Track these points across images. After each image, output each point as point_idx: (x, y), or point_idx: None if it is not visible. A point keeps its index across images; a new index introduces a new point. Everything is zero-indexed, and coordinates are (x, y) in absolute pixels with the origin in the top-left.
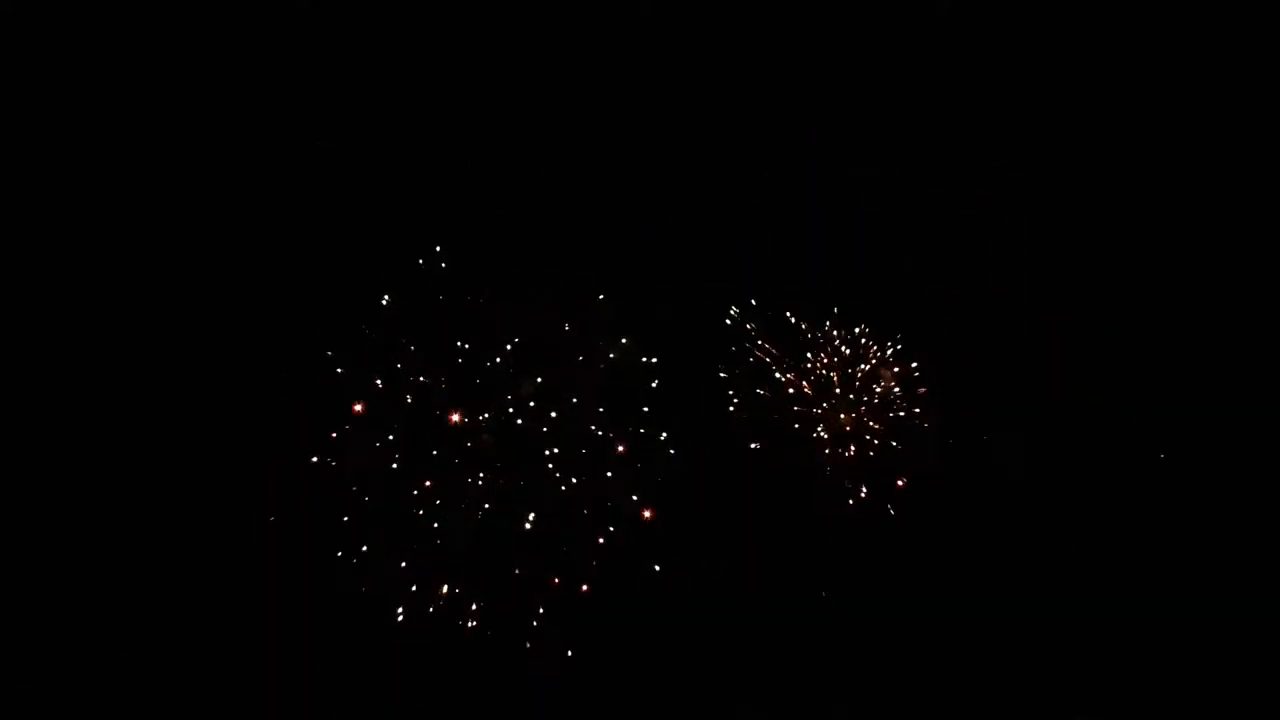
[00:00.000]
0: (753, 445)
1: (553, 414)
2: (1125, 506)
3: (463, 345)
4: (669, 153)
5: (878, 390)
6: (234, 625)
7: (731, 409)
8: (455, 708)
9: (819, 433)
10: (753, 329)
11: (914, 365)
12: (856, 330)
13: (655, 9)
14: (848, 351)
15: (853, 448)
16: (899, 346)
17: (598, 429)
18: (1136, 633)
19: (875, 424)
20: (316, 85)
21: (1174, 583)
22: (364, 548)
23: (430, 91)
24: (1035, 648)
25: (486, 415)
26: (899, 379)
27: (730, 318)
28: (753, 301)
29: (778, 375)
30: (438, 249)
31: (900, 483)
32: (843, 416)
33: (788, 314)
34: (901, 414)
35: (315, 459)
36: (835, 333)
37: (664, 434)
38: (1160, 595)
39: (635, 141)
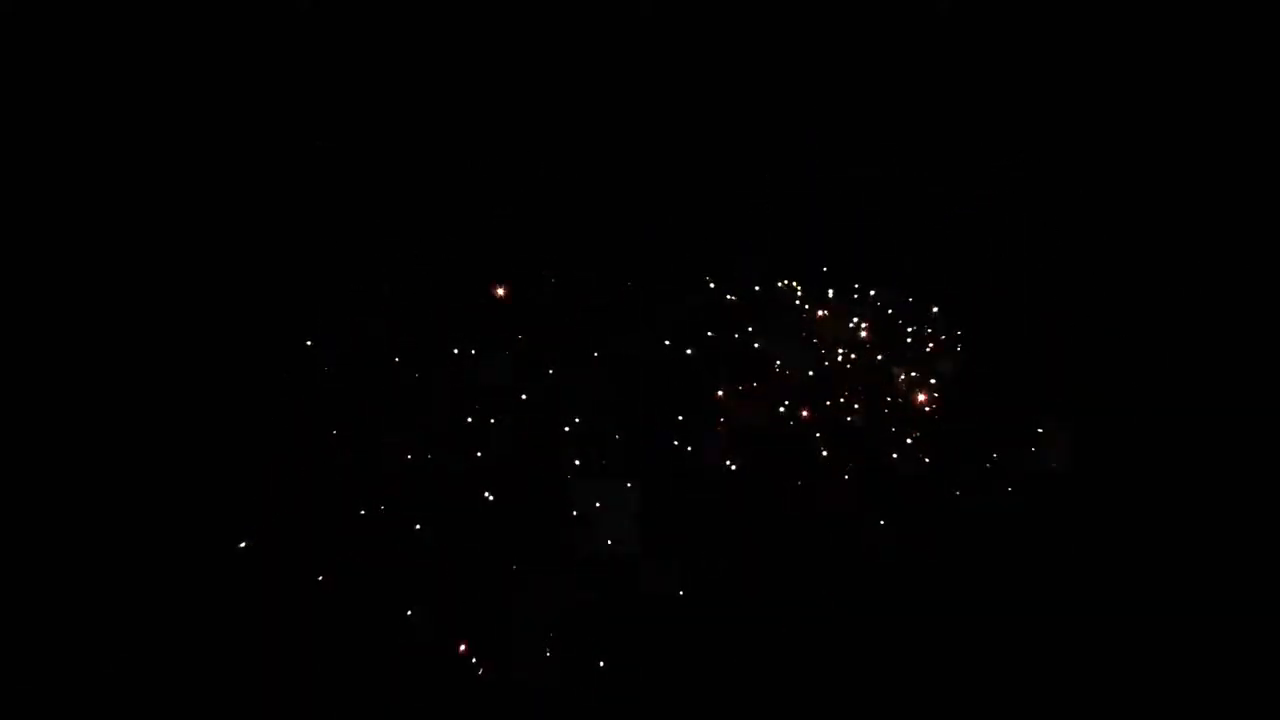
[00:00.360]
0: (731, 465)
1: (557, 414)
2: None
3: (464, 345)
4: (669, 153)
5: (900, 383)
6: (227, 632)
7: (727, 407)
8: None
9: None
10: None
11: (954, 352)
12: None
13: (655, 9)
14: (858, 322)
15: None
16: (930, 328)
17: (602, 428)
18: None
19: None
20: (316, 85)
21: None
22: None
23: (430, 91)
24: (1046, 651)
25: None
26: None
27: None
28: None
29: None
30: (437, 249)
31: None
32: (849, 418)
33: (785, 283)
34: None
35: (313, 464)
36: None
37: (665, 434)
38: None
39: (635, 141)
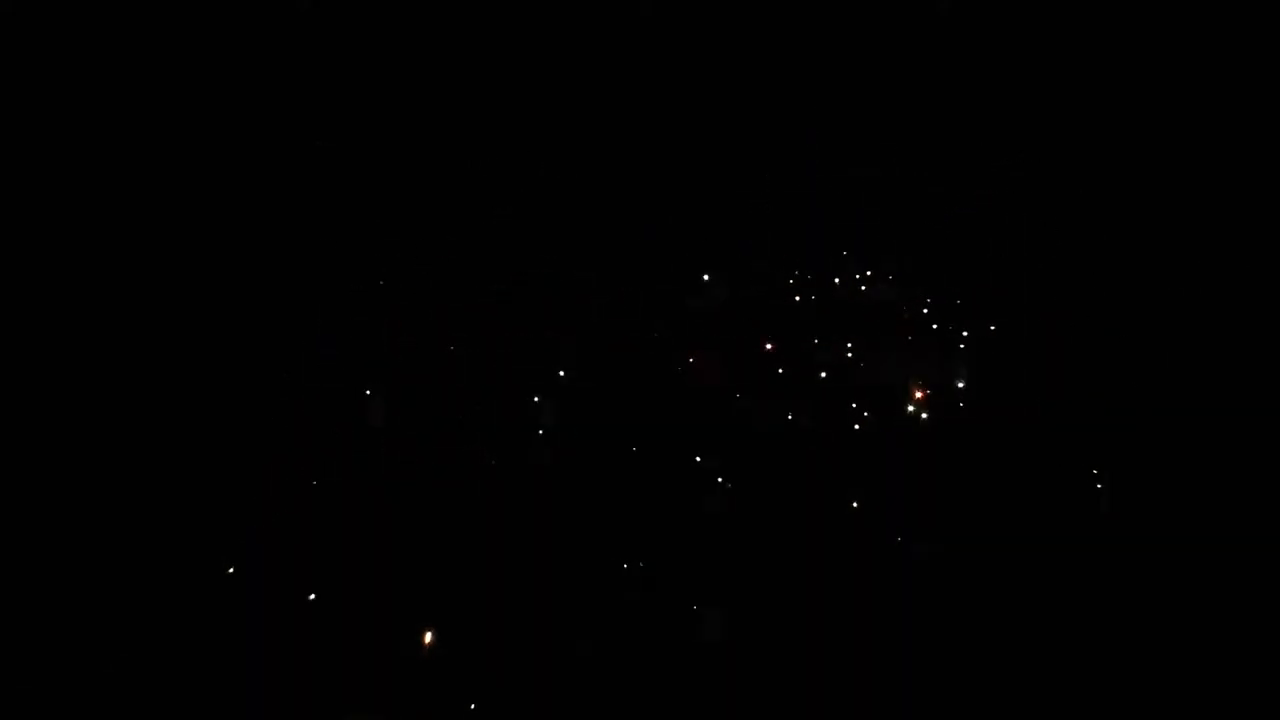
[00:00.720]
0: (726, 484)
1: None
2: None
3: (465, 346)
4: (668, 153)
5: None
6: (225, 635)
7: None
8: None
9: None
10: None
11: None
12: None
13: (655, 9)
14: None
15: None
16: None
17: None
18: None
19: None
20: (316, 85)
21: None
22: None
23: (430, 91)
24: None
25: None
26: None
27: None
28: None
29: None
30: (435, 249)
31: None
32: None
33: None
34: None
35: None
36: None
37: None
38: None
39: (634, 142)
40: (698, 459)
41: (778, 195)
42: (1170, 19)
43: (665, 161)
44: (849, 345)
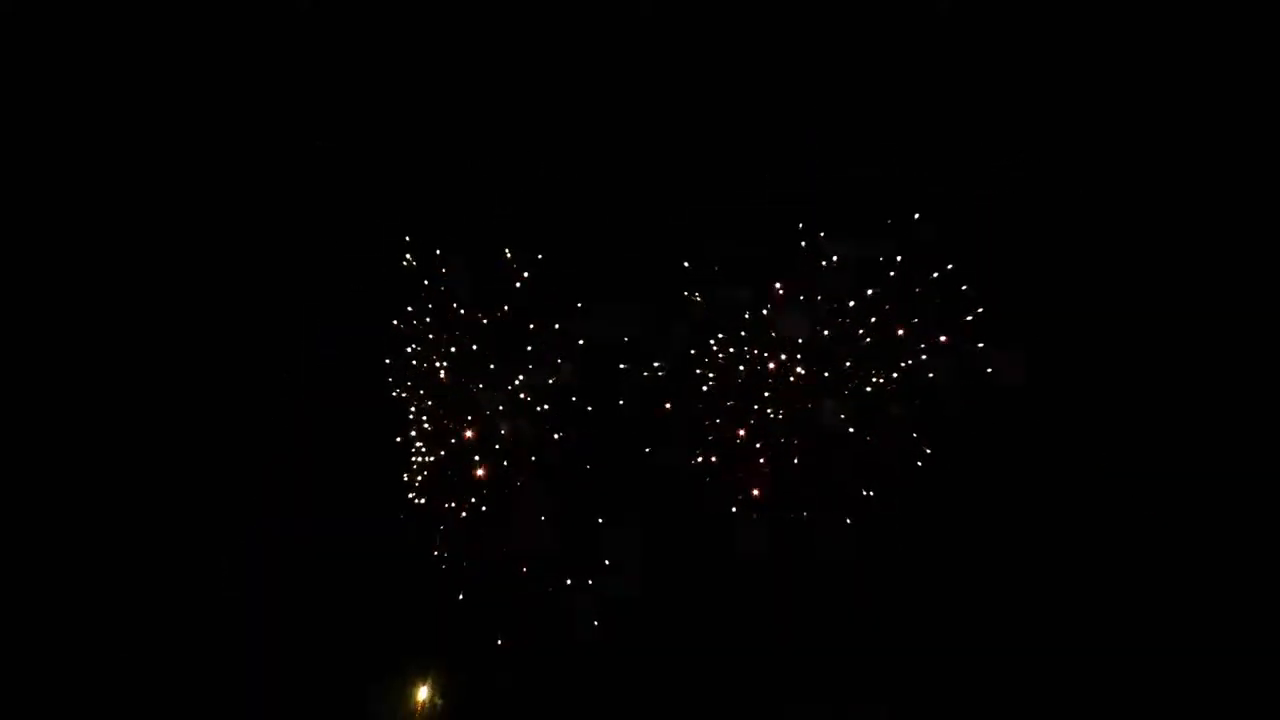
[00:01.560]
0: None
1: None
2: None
3: (466, 346)
4: (668, 153)
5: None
6: (228, 633)
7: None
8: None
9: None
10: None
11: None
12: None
13: (655, 9)
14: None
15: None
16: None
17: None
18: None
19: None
20: (316, 85)
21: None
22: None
23: (430, 91)
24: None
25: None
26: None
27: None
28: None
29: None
30: (432, 248)
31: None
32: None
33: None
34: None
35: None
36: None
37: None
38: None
39: (635, 142)
40: (698, 458)
41: (778, 195)
42: (1170, 19)
43: (665, 163)
44: (848, 342)
